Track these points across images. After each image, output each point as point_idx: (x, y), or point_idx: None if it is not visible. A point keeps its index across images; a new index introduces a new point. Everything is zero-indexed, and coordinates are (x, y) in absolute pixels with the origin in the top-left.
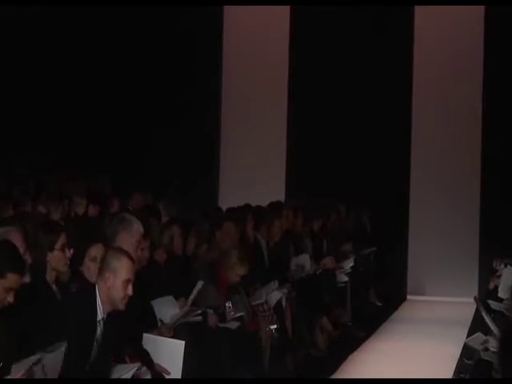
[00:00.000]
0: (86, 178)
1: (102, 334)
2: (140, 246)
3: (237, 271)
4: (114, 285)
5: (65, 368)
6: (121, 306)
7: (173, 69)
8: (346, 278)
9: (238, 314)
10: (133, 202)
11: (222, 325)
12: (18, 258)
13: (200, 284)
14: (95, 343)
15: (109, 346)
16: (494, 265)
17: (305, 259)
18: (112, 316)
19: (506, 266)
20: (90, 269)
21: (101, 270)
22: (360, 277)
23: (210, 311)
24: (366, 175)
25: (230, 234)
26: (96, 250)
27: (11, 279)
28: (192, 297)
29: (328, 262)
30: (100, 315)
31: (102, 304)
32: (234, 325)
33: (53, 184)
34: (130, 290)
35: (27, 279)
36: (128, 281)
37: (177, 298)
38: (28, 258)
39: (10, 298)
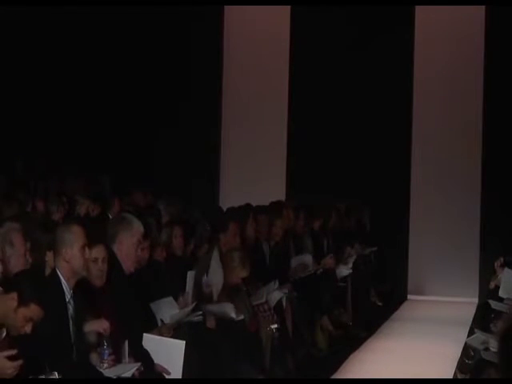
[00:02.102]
0: (86, 178)
1: (74, 310)
2: (140, 245)
3: (238, 274)
4: (72, 255)
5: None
6: (84, 273)
7: (173, 69)
8: (346, 275)
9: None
10: (133, 201)
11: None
12: (46, 291)
13: (191, 275)
14: (71, 322)
15: (82, 317)
16: (496, 265)
17: (307, 259)
18: (78, 288)
19: (506, 265)
20: (90, 270)
21: (57, 250)
22: (360, 276)
23: (210, 317)
24: (366, 175)
25: (234, 236)
26: (97, 252)
27: (34, 310)
28: (189, 291)
29: (329, 261)
30: (68, 295)
31: (67, 282)
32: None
33: (53, 184)
34: (87, 254)
35: None
36: (84, 246)
37: (176, 298)
38: (28, 258)
39: (28, 329)
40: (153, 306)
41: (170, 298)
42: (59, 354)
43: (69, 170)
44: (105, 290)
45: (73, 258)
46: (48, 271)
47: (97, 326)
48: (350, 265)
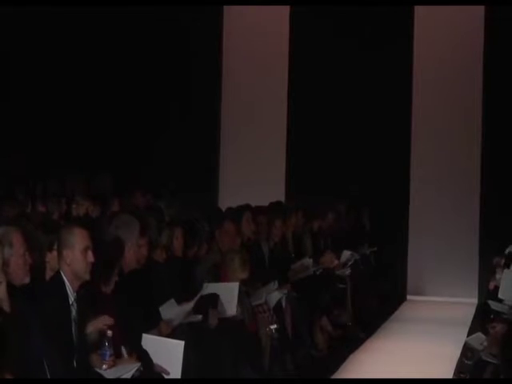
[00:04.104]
0: (86, 178)
1: (77, 312)
2: (138, 241)
3: (238, 275)
4: (73, 258)
5: (55, 361)
6: (86, 277)
7: (172, 69)
8: (346, 276)
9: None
10: (133, 202)
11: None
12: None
13: (206, 287)
14: (73, 325)
15: (84, 320)
16: (495, 263)
17: (306, 262)
18: (82, 291)
19: (506, 266)
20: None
21: (59, 252)
22: (360, 277)
23: (214, 312)
24: (365, 175)
25: (229, 233)
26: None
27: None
28: (196, 298)
29: (327, 259)
30: (71, 297)
31: (71, 284)
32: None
33: (53, 184)
34: (90, 257)
35: (27, 279)
36: (86, 248)
37: (177, 299)
38: (28, 258)
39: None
40: (161, 309)
41: (172, 300)
42: (61, 356)
43: (69, 170)
44: (107, 292)
45: (74, 261)
46: (48, 272)
47: (100, 324)
48: (349, 265)
